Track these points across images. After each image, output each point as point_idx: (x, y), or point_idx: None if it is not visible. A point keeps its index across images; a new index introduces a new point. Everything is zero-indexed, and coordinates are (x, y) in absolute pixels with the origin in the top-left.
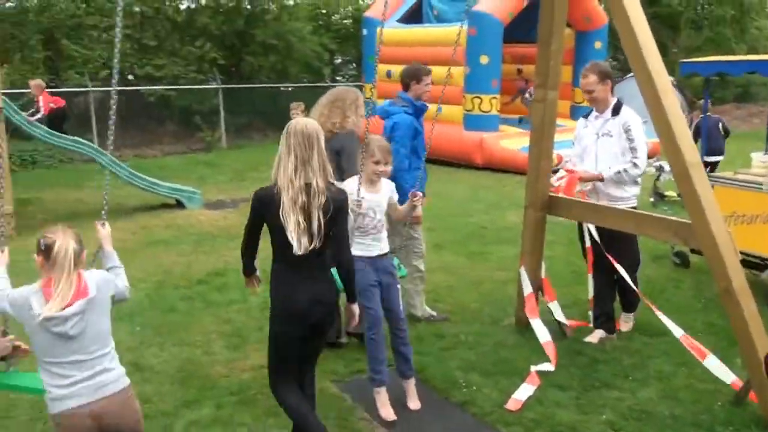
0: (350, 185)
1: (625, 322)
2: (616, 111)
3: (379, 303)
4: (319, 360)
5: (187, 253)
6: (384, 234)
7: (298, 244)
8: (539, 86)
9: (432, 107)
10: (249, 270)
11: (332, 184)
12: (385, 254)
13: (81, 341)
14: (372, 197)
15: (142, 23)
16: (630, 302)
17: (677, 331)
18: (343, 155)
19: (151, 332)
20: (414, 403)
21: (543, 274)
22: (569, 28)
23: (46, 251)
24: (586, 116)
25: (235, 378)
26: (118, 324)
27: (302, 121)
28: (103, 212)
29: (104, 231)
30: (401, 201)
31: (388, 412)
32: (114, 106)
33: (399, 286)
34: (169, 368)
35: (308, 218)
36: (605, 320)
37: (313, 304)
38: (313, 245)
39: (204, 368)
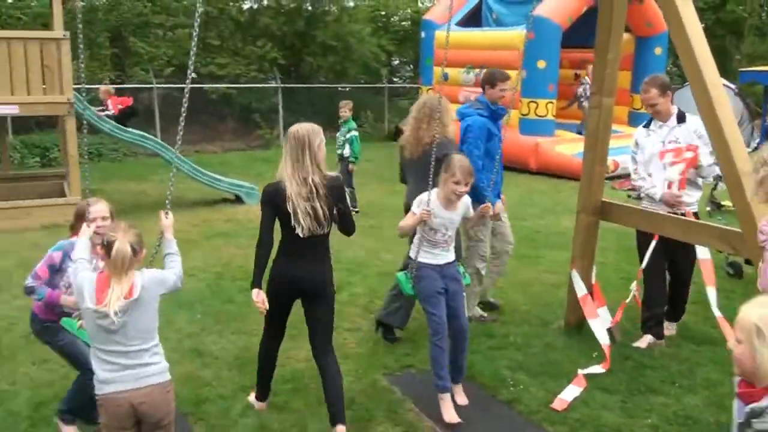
0: (424, 197)
1: (667, 329)
2: (681, 119)
3: (444, 310)
4: (369, 353)
5: (245, 246)
6: (453, 245)
7: (302, 228)
8: (595, 93)
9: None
10: (258, 280)
11: (326, 176)
12: (452, 262)
13: (122, 335)
14: (448, 215)
15: (206, 23)
16: (677, 312)
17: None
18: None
19: (210, 320)
20: (461, 399)
21: (593, 280)
22: (629, 33)
23: (107, 248)
24: (646, 126)
25: (289, 367)
26: (179, 312)
27: (296, 127)
28: (167, 203)
29: (167, 221)
30: (476, 200)
31: (451, 416)
32: (185, 104)
33: (464, 294)
34: (227, 355)
35: (312, 207)
36: (654, 324)
37: (302, 277)
38: (316, 231)
39: None
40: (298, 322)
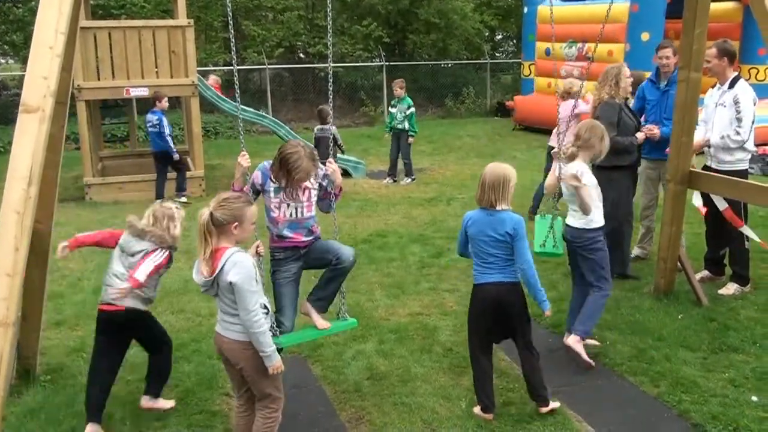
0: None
1: (727, 288)
2: (732, 85)
3: None
4: (467, 311)
5: (353, 215)
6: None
7: None
8: (682, 68)
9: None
10: None
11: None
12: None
13: (219, 297)
14: None
15: (314, 4)
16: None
17: (721, 204)
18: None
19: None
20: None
21: (683, 245)
22: (738, 1)
23: None
24: (713, 86)
25: (394, 321)
26: None
27: None
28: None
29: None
30: None
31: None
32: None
33: None
34: (338, 310)
35: None
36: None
37: None
38: None
39: (368, 311)
40: (401, 282)
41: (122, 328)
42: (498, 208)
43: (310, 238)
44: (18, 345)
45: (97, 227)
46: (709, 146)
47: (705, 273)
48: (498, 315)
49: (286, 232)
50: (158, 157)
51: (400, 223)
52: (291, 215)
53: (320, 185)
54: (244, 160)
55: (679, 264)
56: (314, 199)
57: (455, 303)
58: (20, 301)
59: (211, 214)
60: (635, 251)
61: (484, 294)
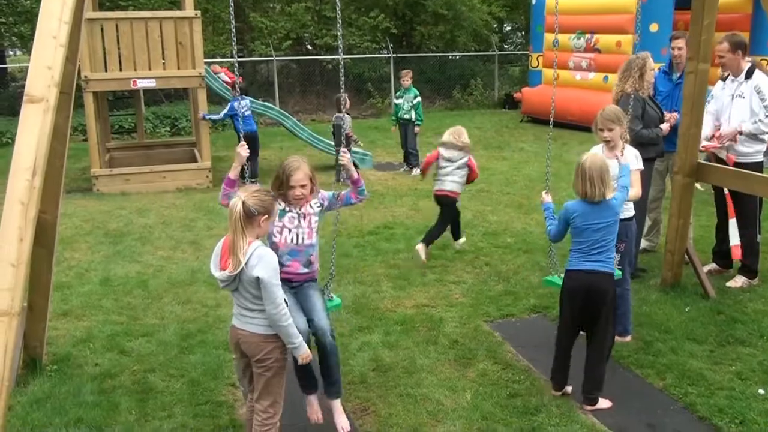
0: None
1: (735, 281)
2: (749, 75)
3: None
4: (473, 303)
5: (360, 207)
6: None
7: None
8: (691, 59)
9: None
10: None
11: None
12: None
13: (239, 292)
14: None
15: None
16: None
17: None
18: None
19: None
20: None
21: (691, 237)
22: None
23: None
24: (723, 79)
25: (400, 312)
26: None
27: None
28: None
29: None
30: None
31: None
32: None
33: None
34: (345, 301)
35: None
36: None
37: None
38: None
39: (374, 303)
40: (408, 274)
41: None
42: (607, 197)
43: (306, 271)
44: (24, 335)
45: (104, 218)
46: (740, 133)
47: (712, 266)
48: (588, 302)
49: (285, 260)
50: (249, 139)
51: (407, 215)
52: (292, 240)
53: (322, 206)
54: (243, 149)
55: (686, 256)
56: (315, 225)
57: (461, 295)
58: (25, 292)
59: (244, 203)
60: (643, 243)
61: (578, 280)
